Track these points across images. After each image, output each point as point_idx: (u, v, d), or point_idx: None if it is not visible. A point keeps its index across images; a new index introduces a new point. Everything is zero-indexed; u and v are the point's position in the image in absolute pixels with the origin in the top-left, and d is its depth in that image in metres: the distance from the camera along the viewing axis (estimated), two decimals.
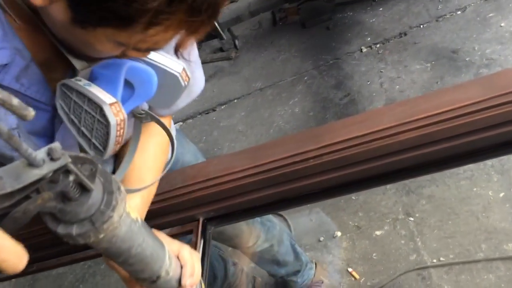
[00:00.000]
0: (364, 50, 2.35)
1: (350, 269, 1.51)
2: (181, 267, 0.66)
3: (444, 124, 0.70)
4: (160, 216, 0.91)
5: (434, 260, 1.41)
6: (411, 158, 0.74)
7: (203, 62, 0.98)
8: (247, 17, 2.93)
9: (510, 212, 1.42)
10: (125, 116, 0.58)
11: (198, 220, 0.89)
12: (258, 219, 1.22)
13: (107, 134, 0.57)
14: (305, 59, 2.52)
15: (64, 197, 0.40)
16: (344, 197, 1.74)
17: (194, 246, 0.85)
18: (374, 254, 1.52)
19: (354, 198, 1.72)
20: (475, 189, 1.52)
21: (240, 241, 1.19)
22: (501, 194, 1.47)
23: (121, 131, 0.58)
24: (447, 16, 2.27)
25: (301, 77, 2.44)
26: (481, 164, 1.56)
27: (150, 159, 0.80)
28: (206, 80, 0.87)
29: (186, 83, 0.68)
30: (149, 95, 0.62)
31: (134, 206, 0.75)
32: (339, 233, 1.64)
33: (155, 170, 0.80)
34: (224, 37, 2.94)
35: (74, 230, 0.42)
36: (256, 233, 1.20)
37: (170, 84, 0.66)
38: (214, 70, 2.89)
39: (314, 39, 2.65)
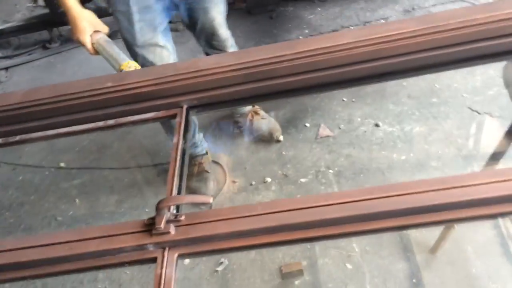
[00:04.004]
0: (301, 38, 2.66)
1: None
2: None
3: (388, 44, 0.96)
4: (148, 99, 1.06)
5: None
6: (363, 69, 0.99)
7: None
8: None
9: (408, 170, 1.77)
10: None
11: (182, 107, 1.06)
12: None
13: None
14: (248, 40, 2.76)
15: None
16: (276, 152, 1.99)
17: (179, 128, 1.02)
18: (298, 196, 1.78)
19: (284, 153, 1.97)
20: (383, 152, 1.86)
21: None
22: (403, 157, 1.82)
23: None
24: (373, 22, 2.67)
25: None
26: (389, 134, 1.91)
27: None
28: None
29: None
30: None
31: None
32: (269, 179, 1.87)
33: None
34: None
35: None
36: None
37: None
38: None
39: (258, 24, 2.91)
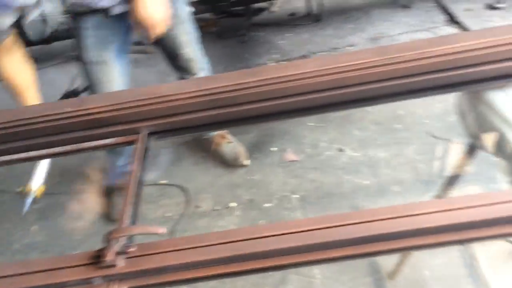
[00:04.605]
0: (271, 63, 2.70)
1: None
2: None
3: (348, 73, 0.98)
4: (108, 125, 1.04)
5: None
6: (323, 98, 1.01)
7: None
8: None
9: (371, 195, 1.79)
10: None
11: (142, 133, 1.05)
12: None
13: None
14: (219, 64, 2.78)
15: None
16: (241, 177, 1.98)
17: (136, 155, 1.00)
18: (260, 221, 1.77)
19: (249, 178, 1.97)
20: (347, 177, 1.88)
21: None
22: (366, 182, 1.85)
23: None
24: (341, 49, 2.75)
25: None
26: (353, 159, 1.95)
27: None
28: None
29: None
30: None
31: None
32: (233, 204, 1.86)
33: None
34: None
35: None
36: None
37: None
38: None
39: (229, 48, 2.94)
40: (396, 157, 1.97)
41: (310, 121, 2.19)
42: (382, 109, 2.20)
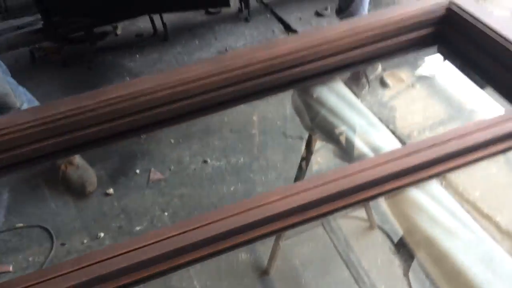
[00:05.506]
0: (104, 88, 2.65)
1: None
2: None
3: (184, 86, 1.03)
4: None
5: None
6: (164, 112, 1.04)
7: None
8: (3, 51, 2.88)
9: (238, 200, 1.86)
10: None
11: None
12: None
13: None
14: (67, 94, 2.58)
15: None
16: (107, 204, 1.91)
17: None
18: None
19: (116, 204, 1.91)
20: (213, 186, 1.94)
21: None
22: (232, 188, 1.93)
23: None
24: None
25: None
26: (217, 168, 2.01)
27: None
28: None
29: None
30: None
31: None
32: (102, 234, 1.78)
33: None
34: None
35: None
36: None
37: None
38: None
39: (76, 76, 2.81)
40: (257, 161, 2.09)
41: (170, 137, 2.20)
42: (238, 117, 2.32)
